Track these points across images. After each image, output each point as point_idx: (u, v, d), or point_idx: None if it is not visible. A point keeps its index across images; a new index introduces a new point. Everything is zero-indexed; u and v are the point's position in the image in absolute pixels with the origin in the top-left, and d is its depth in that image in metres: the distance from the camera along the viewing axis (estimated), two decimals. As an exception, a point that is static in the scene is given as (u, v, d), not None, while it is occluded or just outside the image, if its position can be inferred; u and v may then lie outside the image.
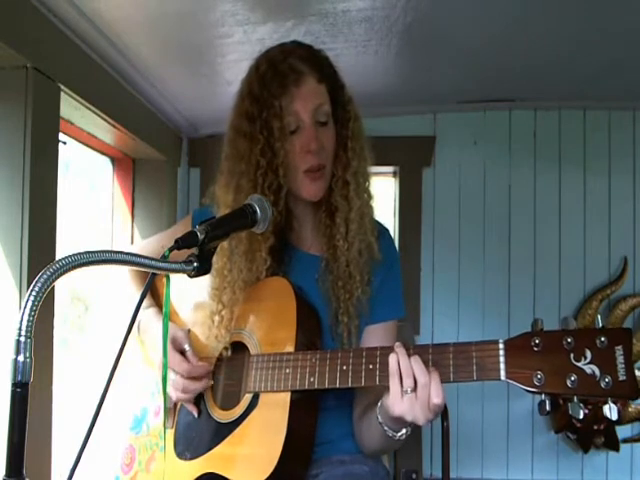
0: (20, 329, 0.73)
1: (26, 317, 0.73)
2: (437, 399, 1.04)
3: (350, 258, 1.32)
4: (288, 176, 1.30)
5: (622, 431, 3.03)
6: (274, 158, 1.29)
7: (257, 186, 1.28)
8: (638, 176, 3.11)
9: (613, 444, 3.00)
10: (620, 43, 2.23)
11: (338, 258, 1.33)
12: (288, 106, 1.27)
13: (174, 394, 1.32)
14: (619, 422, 2.98)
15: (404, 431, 1.16)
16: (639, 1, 1.91)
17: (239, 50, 2.06)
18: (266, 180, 1.29)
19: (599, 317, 1.03)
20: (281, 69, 1.29)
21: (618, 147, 3.10)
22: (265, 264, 1.31)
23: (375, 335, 1.35)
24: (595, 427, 2.95)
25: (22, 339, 0.73)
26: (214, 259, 1.24)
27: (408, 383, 1.06)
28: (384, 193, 3.25)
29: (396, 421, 1.12)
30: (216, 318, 1.33)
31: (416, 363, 1.06)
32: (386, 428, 1.16)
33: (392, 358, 1.08)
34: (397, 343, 1.11)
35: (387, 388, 1.10)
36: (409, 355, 1.07)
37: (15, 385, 0.73)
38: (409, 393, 1.05)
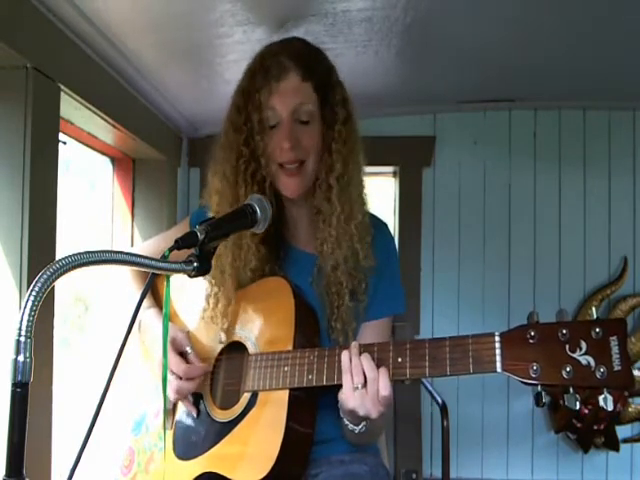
0: (20, 329, 0.73)
1: (26, 317, 0.73)
2: (385, 391, 1.10)
3: (335, 263, 1.31)
4: (269, 168, 1.32)
5: (622, 431, 3.03)
6: (256, 149, 1.31)
7: (239, 174, 1.31)
8: (638, 176, 3.11)
9: (613, 444, 3.00)
10: (620, 43, 2.23)
11: (326, 262, 1.33)
12: (266, 100, 1.29)
13: (170, 395, 1.33)
14: (619, 422, 2.99)
15: (363, 424, 1.21)
16: (639, 1, 1.91)
17: (239, 50, 2.06)
18: (249, 168, 1.31)
19: (594, 309, 1.05)
20: (267, 63, 1.30)
21: (618, 147, 3.11)
22: (249, 251, 1.32)
23: (368, 332, 1.36)
24: (595, 427, 2.95)
25: (22, 339, 0.73)
26: None
27: (358, 379, 1.11)
28: (384, 193, 3.25)
29: (351, 416, 1.18)
30: (211, 300, 1.35)
31: (365, 360, 1.12)
32: (346, 422, 1.22)
33: (344, 356, 1.14)
34: (353, 342, 1.16)
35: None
36: (360, 353, 1.13)
37: (15, 385, 0.73)
38: (360, 389, 1.11)
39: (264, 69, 1.30)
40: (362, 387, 1.11)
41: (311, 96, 1.30)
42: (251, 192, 1.28)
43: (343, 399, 1.15)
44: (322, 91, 1.32)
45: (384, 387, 1.10)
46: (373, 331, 1.35)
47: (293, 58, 1.30)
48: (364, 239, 1.33)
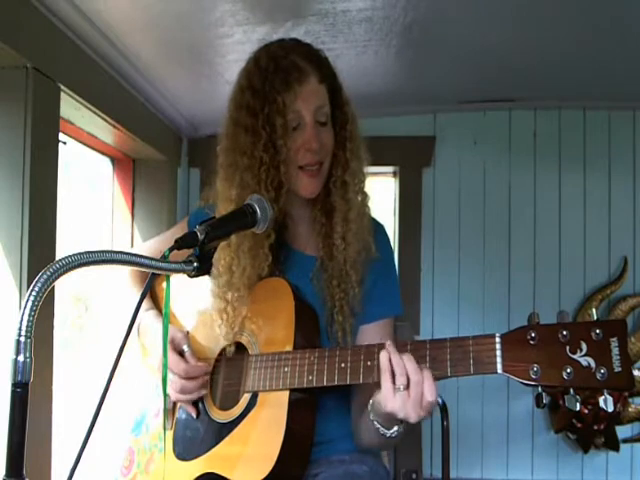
0: (20, 329, 0.73)
1: (26, 317, 0.73)
2: (430, 397, 1.04)
3: (348, 257, 1.32)
4: (288, 172, 1.30)
5: (622, 431, 3.03)
6: (276, 155, 1.29)
7: (260, 182, 1.28)
8: (638, 176, 3.11)
9: (613, 444, 3.00)
10: (620, 43, 2.23)
11: (335, 257, 1.33)
12: (291, 103, 1.27)
13: (172, 395, 1.33)
14: (619, 422, 2.99)
15: (396, 428, 1.15)
16: (638, 1, 1.91)
17: (239, 50, 2.06)
18: (269, 176, 1.29)
19: (594, 310, 1.05)
20: (284, 65, 1.29)
21: (618, 147, 3.11)
22: (267, 260, 1.31)
23: (369, 334, 1.35)
24: (595, 427, 2.95)
25: (22, 339, 0.73)
26: (219, 256, 1.25)
27: (401, 380, 1.05)
28: (384, 193, 3.25)
29: (387, 418, 1.12)
30: (223, 316, 1.33)
31: (409, 361, 1.06)
32: (378, 426, 1.15)
33: (383, 355, 1.08)
34: (388, 341, 1.11)
35: (378, 385, 1.09)
36: (401, 352, 1.07)
37: (15, 385, 0.73)
38: (402, 390, 1.05)
39: (282, 71, 1.28)
40: (404, 389, 1.05)
41: (326, 98, 1.32)
42: (270, 199, 1.25)
43: (381, 401, 1.08)
44: (332, 92, 1.34)
45: (430, 392, 1.04)
46: (377, 333, 1.35)
47: (308, 60, 1.31)
48: (371, 232, 1.36)
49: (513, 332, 1.02)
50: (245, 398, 1.26)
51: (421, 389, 1.04)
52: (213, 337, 1.36)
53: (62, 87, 1.74)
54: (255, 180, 1.29)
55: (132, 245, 2.73)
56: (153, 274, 0.97)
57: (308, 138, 1.29)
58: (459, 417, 2.98)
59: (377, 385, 1.10)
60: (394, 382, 1.06)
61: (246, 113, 1.30)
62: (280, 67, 1.29)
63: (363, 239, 1.34)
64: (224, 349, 1.34)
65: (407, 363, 1.05)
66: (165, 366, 1.11)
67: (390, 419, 1.12)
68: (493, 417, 3.10)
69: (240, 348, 1.32)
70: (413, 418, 1.05)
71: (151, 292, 1.50)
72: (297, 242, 1.42)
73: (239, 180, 1.30)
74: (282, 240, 1.40)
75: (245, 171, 1.29)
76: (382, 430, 1.16)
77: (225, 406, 1.30)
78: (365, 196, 1.38)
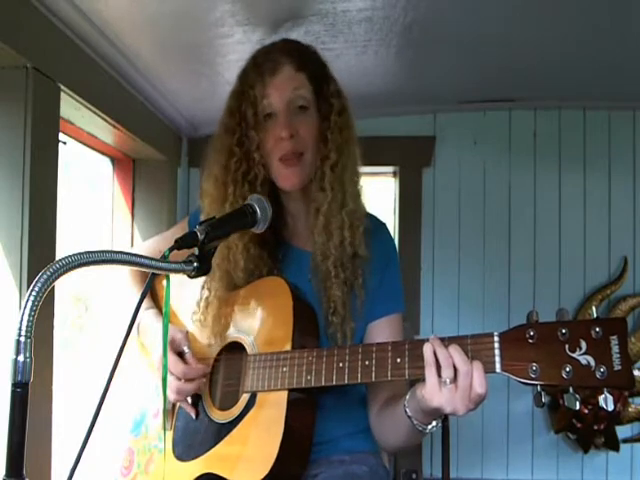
0: (20, 329, 0.73)
1: (26, 317, 0.73)
2: (481, 389, 1.00)
3: (328, 253, 1.30)
4: (265, 164, 1.31)
5: (622, 431, 3.03)
6: (250, 146, 1.31)
7: (229, 173, 1.31)
8: (638, 176, 3.11)
9: (613, 444, 3.00)
10: (620, 43, 2.23)
11: (319, 254, 1.32)
12: (261, 93, 1.29)
13: (169, 395, 1.32)
14: (619, 422, 2.99)
15: (434, 423, 1.12)
16: (639, 2, 1.91)
17: (239, 50, 2.06)
18: (240, 168, 1.31)
19: (594, 308, 1.05)
20: (260, 61, 1.32)
21: (618, 147, 3.10)
22: (237, 250, 1.32)
23: (380, 330, 1.34)
24: (595, 427, 2.95)
25: (22, 339, 0.73)
26: None
27: (447, 373, 1.01)
28: (384, 193, 3.25)
29: (429, 414, 1.09)
30: (202, 304, 1.35)
31: (455, 352, 1.01)
32: (416, 422, 1.12)
33: (427, 349, 1.03)
34: (432, 336, 1.06)
35: (422, 380, 1.06)
36: (445, 345, 1.03)
37: (15, 385, 0.73)
38: (448, 384, 1.01)
39: (256, 67, 1.31)
40: (451, 382, 1.01)
41: (306, 84, 1.31)
42: (240, 191, 1.28)
43: (426, 396, 1.04)
44: (316, 82, 1.33)
45: (480, 384, 0.99)
46: (383, 328, 1.34)
47: (286, 54, 1.32)
48: (355, 227, 1.31)
49: (512, 331, 1.01)
50: (244, 398, 1.26)
51: (470, 380, 1.00)
52: (212, 337, 1.36)
53: (62, 87, 1.74)
54: (224, 171, 1.32)
55: (132, 245, 2.73)
56: (153, 274, 0.97)
57: (279, 126, 1.28)
58: (459, 417, 2.97)
59: (420, 380, 1.07)
60: (440, 375, 1.02)
61: (227, 115, 1.35)
62: (256, 64, 1.32)
63: (341, 235, 1.30)
64: (223, 349, 1.34)
65: (454, 354, 1.01)
66: (165, 366, 1.11)
67: (430, 414, 1.09)
68: (493, 417, 3.09)
69: (239, 348, 1.32)
70: (461, 411, 1.02)
71: (151, 291, 1.50)
72: (296, 239, 1.42)
73: (213, 175, 1.34)
74: (281, 238, 1.40)
75: (217, 165, 1.33)
76: (420, 427, 1.12)
77: (224, 406, 1.30)
78: (352, 191, 1.33)
